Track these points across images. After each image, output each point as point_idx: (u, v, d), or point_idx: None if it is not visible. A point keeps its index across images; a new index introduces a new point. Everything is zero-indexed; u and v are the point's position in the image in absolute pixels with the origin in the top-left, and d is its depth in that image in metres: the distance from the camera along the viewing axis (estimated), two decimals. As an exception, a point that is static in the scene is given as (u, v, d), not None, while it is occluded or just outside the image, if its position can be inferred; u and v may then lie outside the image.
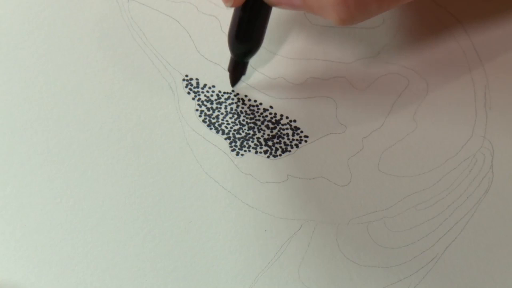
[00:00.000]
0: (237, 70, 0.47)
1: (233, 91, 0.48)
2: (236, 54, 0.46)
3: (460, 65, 0.49)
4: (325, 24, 0.49)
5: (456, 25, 0.50)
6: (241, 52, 0.46)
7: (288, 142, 0.47)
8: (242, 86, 0.48)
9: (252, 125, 0.48)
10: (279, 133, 0.48)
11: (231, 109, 0.48)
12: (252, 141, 0.47)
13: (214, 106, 0.48)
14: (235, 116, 0.48)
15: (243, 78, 0.48)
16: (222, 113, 0.48)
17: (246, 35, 0.44)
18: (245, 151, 0.47)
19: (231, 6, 0.43)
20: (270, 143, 0.47)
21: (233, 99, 0.48)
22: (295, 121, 0.48)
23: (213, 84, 0.49)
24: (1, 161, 0.47)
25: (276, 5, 0.42)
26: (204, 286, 0.44)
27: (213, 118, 0.48)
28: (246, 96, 0.48)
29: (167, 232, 0.45)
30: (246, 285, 0.44)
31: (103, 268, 0.44)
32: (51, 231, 0.45)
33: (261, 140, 0.47)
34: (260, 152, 0.47)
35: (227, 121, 0.48)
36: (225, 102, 0.48)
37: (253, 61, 0.49)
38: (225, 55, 0.49)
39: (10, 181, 0.46)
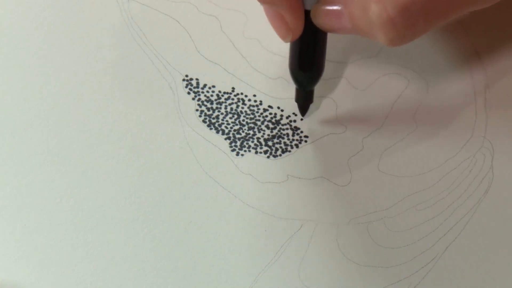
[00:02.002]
0: (305, 100, 0.47)
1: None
2: (303, 84, 0.46)
3: (460, 65, 0.49)
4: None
5: (456, 25, 0.50)
6: (308, 81, 0.46)
7: (288, 142, 0.47)
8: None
9: (252, 125, 0.48)
10: (279, 133, 0.48)
11: (231, 109, 0.48)
12: (252, 141, 0.47)
13: (214, 106, 0.48)
14: (235, 116, 0.48)
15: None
16: (222, 113, 0.48)
17: (309, 64, 0.45)
18: (245, 151, 0.47)
19: (291, 40, 0.43)
20: (270, 143, 0.47)
21: (233, 99, 0.49)
22: (295, 121, 0.48)
23: (213, 84, 0.49)
24: (1, 161, 0.47)
25: (330, 31, 0.42)
26: (204, 286, 0.44)
27: (213, 118, 0.48)
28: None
29: (167, 232, 0.45)
30: (246, 285, 0.44)
31: (103, 268, 0.44)
32: (51, 231, 0.45)
33: (261, 140, 0.48)
34: (260, 152, 0.47)
35: (227, 121, 0.48)
36: (225, 102, 0.48)
37: (253, 61, 0.49)
38: (225, 55, 0.49)
39: (10, 181, 0.46)
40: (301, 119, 0.48)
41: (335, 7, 0.41)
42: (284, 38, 0.43)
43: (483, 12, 0.42)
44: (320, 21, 0.42)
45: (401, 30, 0.39)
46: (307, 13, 0.42)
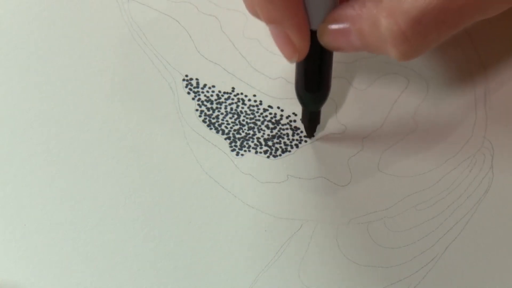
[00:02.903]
0: (312, 121, 0.47)
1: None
2: (309, 105, 0.45)
3: (460, 65, 0.49)
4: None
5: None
6: (314, 102, 0.45)
7: (288, 142, 0.47)
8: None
9: (252, 125, 0.48)
10: (279, 133, 0.48)
11: (231, 109, 0.48)
12: (252, 141, 0.47)
13: (214, 106, 0.48)
14: (235, 116, 0.48)
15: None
16: (222, 113, 0.48)
17: (316, 85, 0.44)
18: (245, 151, 0.47)
19: (297, 61, 0.43)
20: (270, 143, 0.47)
21: (233, 99, 0.49)
22: (295, 121, 0.48)
23: (213, 84, 0.49)
24: (1, 161, 0.47)
25: (338, 50, 0.42)
26: (204, 286, 0.44)
27: (213, 118, 0.48)
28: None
29: (167, 232, 0.45)
30: (246, 285, 0.44)
31: (103, 268, 0.44)
32: (51, 231, 0.45)
33: (261, 140, 0.48)
34: (260, 152, 0.47)
35: (227, 121, 0.48)
36: (225, 102, 0.48)
37: (253, 61, 0.49)
38: (225, 55, 0.49)
39: (10, 181, 0.46)
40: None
41: (342, 25, 0.41)
42: (290, 58, 0.42)
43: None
44: (327, 40, 0.41)
45: (413, 43, 0.39)
46: (313, 33, 0.42)
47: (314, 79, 0.44)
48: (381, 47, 0.40)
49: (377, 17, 0.39)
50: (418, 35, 0.39)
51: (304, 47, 0.42)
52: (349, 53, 0.43)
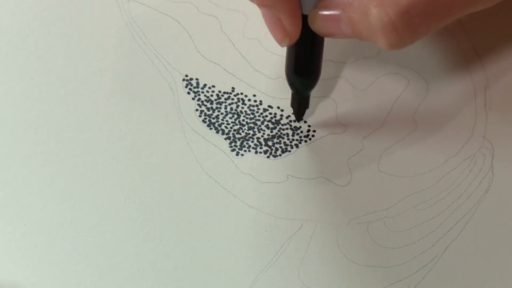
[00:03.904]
0: (301, 105, 0.47)
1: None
2: (299, 89, 0.46)
3: (460, 65, 0.49)
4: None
5: (456, 25, 0.50)
6: (304, 86, 0.45)
7: (288, 142, 0.47)
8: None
9: (252, 125, 0.48)
10: (279, 133, 0.48)
11: (231, 109, 0.48)
12: (252, 141, 0.47)
13: (214, 106, 0.48)
14: (235, 116, 0.48)
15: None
16: (222, 113, 0.48)
17: (306, 69, 0.44)
18: (245, 151, 0.47)
19: (288, 45, 0.43)
20: (270, 143, 0.47)
21: (233, 99, 0.49)
22: (295, 121, 0.48)
23: (213, 84, 0.49)
24: (1, 161, 0.47)
25: (328, 36, 0.42)
26: (204, 286, 0.44)
27: (213, 118, 0.48)
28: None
29: (167, 232, 0.45)
30: (246, 285, 0.44)
31: (103, 268, 0.44)
32: (51, 231, 0.45)
33: (261, 140, 0.48)
34: (260, 152, 0.47)
35: (227, 121, 0.48)
36: (225, 102, 0.48)
37: (253, 61, 0.49)
38: (225, 55, 0.49)
39: (10, 181, 0.46)
40: (300, 121, 0.48)
41: (333, 12, 0.41)
42: (281, 42, 0.43)
43: (482, 12, 0.42)
44: (317, 26, 0.42)
45: (402, 34, 0.39)
46: (304, 18, 0.42)
47: (304, 63, 0.44)
48: (371, 36, 0.40)
49: (368, 6, 0.39)
50: (407, 26, 0.39)
51: (295, 32, 0.42)
52: (340, 39, 0.43)
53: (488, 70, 0.49)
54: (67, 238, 0.45)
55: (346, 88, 0.49)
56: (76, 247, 0.45)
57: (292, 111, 0.48)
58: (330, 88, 0.49)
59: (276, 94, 0.49)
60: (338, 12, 0.41)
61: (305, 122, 0.48)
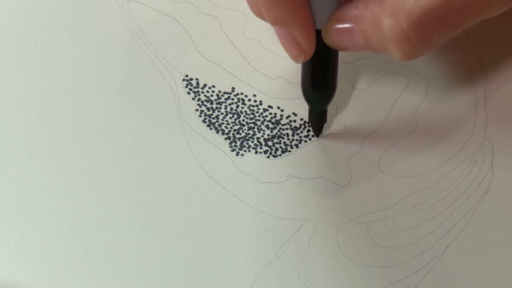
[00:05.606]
0: (319, 120, 0.47)
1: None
2: (316, 104, 0.45)
3: (460, 65, 0.49)
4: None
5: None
6: (322, 101, 0.45)
7: (288, 142, 0.47)
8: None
9: (252, 125, 0.48)
10: (279, 133, 0.48)
11: (231, 109, 0.48)
12: (252, 141, 0.47)
13: (214, 106, 0.48)
14: (235, 116, 0.48)
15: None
16: (222, 113, 0.48)
17: (322, 84, 0.44)
18: (245, 151, 0.47)
19: (304, 61, 0.43)
20: (270, 143, 0.47)
21: (233, 99, 0.49)
22: (295, 121, 0.48)
23: (213, 84, 0.49)
24: (1, 161, 0.47)
25: (342, 49, 0.42)
26: (204, 286, 0.44)
27: (213, 118, 0.48)
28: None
29: (167, 232, 0.45)
30: (246, 285, 0.44)
31: (103, 268, 0.44)
32: (51, 231, 0.45)
33: (261, 140, 0.48)
34: (260, 152, 0.47)
35: (227, 121, 0.48)
36: (225, 102, 0.48)
37: (253, 61, 0.49)
38: (225, 55, 0.49)
39: (10, 181, 0.46)
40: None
41: (346, 25, 0.41)
42: (296, 59, 0.43)
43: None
44: (331, 40, 0.42)
45: (415, 44, 0.39)
46: (318, 33, 0.42)
47: (321, 78, 0.44)
48: (384, 47, 0.40)
49: (380, 17, 0.39)
50: (420, 36, 0.39)
51: (310, 48, 0.42)
52: (354, 52, 0.43)
53: (488, 70, 0.49)
54: (67, 238, 0.45)
55: (346, 88, 0.49)
56: (76, 247, 0.45)
57: (289, 111, 0.48)
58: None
59: (276, 94, 0.49)
60: (351, 25, 0.41)
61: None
